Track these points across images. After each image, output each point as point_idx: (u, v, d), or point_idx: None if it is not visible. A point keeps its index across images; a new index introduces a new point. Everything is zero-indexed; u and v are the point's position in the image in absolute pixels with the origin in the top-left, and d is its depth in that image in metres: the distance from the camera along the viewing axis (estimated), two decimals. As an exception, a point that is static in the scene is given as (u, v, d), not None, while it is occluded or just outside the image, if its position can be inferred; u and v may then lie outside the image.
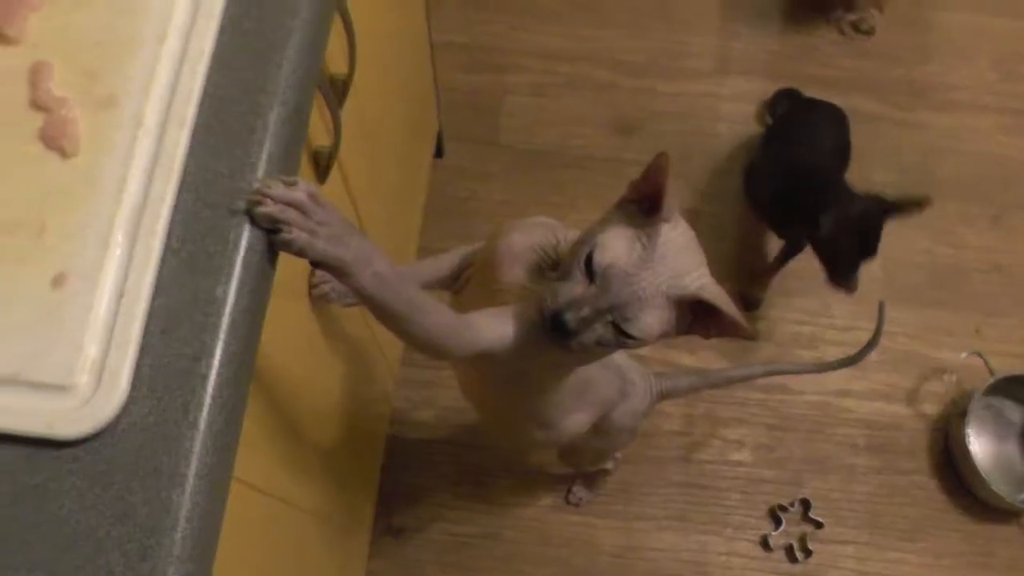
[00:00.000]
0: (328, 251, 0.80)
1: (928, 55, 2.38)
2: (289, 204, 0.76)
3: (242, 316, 0.72)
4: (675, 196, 0.99)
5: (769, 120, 2.20)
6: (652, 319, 0.98)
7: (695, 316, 1.01)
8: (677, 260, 0.99)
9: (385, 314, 0.92)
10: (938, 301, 2.13)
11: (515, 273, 1.10)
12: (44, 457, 0.69)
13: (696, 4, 2.39)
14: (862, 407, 2.05)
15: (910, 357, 2.07)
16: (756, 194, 2.04)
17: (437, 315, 0.97)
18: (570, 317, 0.97)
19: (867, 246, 1.72)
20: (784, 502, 1.96)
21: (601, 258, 0.97)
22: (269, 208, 0.74)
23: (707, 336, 1.03)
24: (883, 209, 1.70)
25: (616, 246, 0.98)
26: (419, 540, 1.93)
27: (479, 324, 1.02)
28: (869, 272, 2.08)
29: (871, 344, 1.64)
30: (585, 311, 0.97)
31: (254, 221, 0.74)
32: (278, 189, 0.75)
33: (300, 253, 0.78)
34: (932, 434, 2.03)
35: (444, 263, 1.28)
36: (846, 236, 1.71)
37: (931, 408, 2.05)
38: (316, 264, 0.82)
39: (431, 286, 1.28)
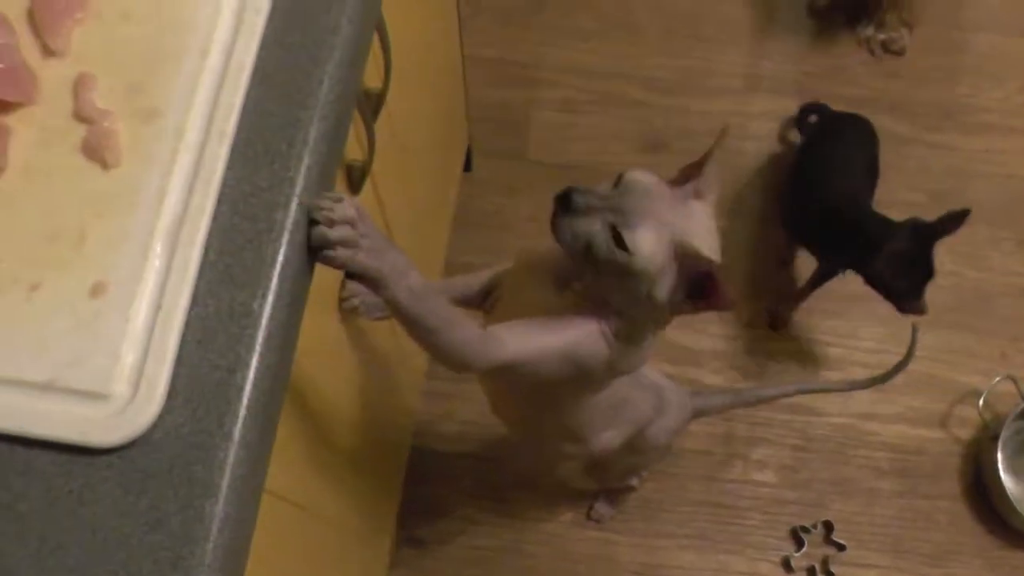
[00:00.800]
0: (368, 264, 0.81)
1: (958, 76, 2.37)
2: (345, 222, 0.77)
3: (278, 329, 0.72)
4: (716, 179, 1.02)
5: (798, 136, 2.19)
6: (650, 238, 0.96)
7: (690, 289, 1.00)
8: (698, 224, 1.00)
9: (415, 326, 0.93)
10: (963, 324, 2.12)
11: (542, 289, 1.11)
12: (79, 464, 0.69)
13: (727, 23, 2.39)
14: (886, 430, 2.04)
15: (935, 381, 2.06)
16: (795, 225, 2.03)
17: (464, 329, 0.97)
18: (578, 196, 0.98)
19: (924, 272, 1.73)
20: (807, 524, 1.95)
21: (630, 174, 0.99)
22: (334, 233, 0.76)
23: (694, 310, 1.01)
24: (929, 235, 1.70)
25: (649, 178, 0.99)
26: (439, 552, 1.93)
27: (502, 336, 1.02)
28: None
29: (902, 364, 1.64)
30: (594, 199, 0.98)
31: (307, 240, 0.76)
32: (340, 210, 0.76)
33: (342, 267, 0.80)
34: (958, 458, 2.02)
35: (474, 281, 1.28)
36: (900, 271, 1.72)
37: (958, 432, 2.04)
38: (353, 276, 0.83)
39: (460, 304, 1.28)
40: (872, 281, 1.79)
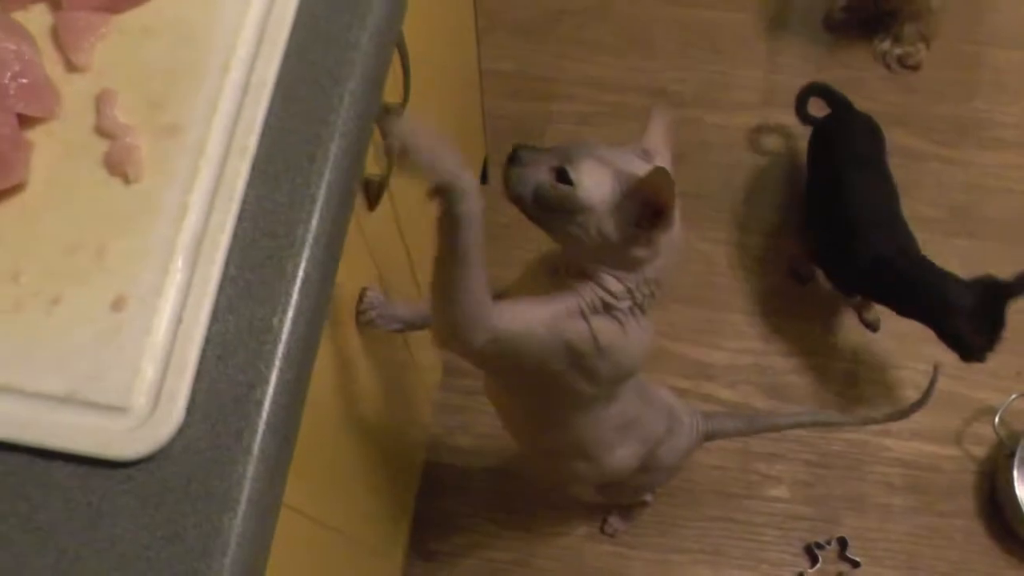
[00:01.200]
0: (451, 168, 0.88)
1: (974, 92, 2.36)
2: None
3: (297, 345, 0.73)
4: (664, 140, 1.12)
5: (801, 120, 2.14)
6: (591, 170, 1.01)
7: (638, 220, 1.02)
8: (640, 168, 1.04)
9: (452, 257, 0.95)
10: (979, 341, 2.11)
11: (537, 283, 1.13)
12: (98, 476, 0.70)
13: (742, 37, 2.39)
14: (901, 446, 2.03)
15: (950, 398, 2.05)
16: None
17: (480, 281, 0.98)
18: (523, 151, 1.04)
19: (998, 327, 1.74)
20: (821, 540, 1.94)
21: (572, 141, 1.06)
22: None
23: (644, 232, 1.03)
24: (1003, 294, 1.71)
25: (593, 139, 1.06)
26: (452, 565, 1.93)
27: (496, 307, 1.04)
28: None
29: (920, 403, 1.63)
30: (539, 153, 1.04)
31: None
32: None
33: (429, 168, 0.88)
34: (973, 476, 2.01)
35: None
36: (977, 328, 1.73)
37: (973, 449, 2.03)
38: (434, 186, 0.90)
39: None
40: (945, 336, 1.78)
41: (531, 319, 1.05)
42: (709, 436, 1.54)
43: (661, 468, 1.47)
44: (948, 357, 1.90)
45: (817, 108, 2.10)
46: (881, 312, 2.04)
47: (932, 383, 1.61)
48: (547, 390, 1.16)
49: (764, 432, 1.81)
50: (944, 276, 1.78)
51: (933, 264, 1.81)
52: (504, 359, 1.08)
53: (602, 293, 1.06)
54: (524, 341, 1.05)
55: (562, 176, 1.01)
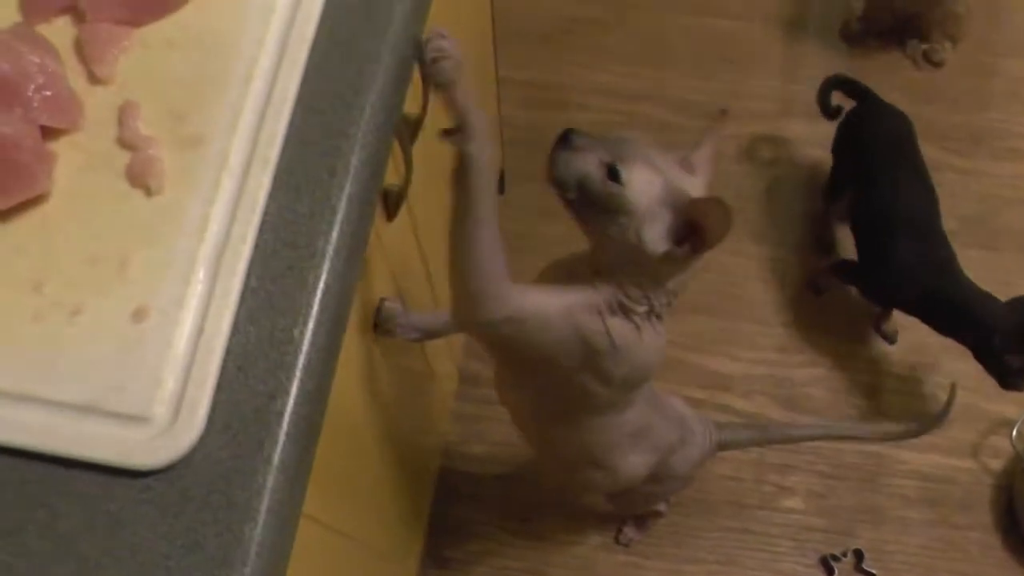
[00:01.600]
0: (468, 103, 0.90)
1: (990, 102, 2.36)
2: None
3: (318, 356, 0.73)
4: (711, 160, 1.08)
5: (824, 113, 2.10)
6: (642, 174, 1.00)
7: (678, 237, 1.02)
8: (687, 182, 1.03)
9: (461, 208, 0.96)
10: (996, 353, 2.10)
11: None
12: (119, 485, 0.70)
13: (758, 47, 2.39)
14: (916, 458, 2.02)
15: (967, 410, 2.04)
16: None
17: (494, 242, 0.99)
18: (576, 136, 1.03)
19: None
20: (836, 552, 1.93)
21: (627, 133, 1.05)
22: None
23: (682, 255, 1.02)
24: None
25: (646, 138, 1.05)
26: (466, 572, 1.93)
27: (518, 286, 1.04)
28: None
29: (936, 420, 1.62)
30: (592, 140, 1.03)
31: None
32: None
33: (449, 87, 0.89)
34: (989, 488, 2.00)
35: None
36: (1010, 351, 1.72)
37: (990, 462, 2.02)
38: (459, 114, 0.91)
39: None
40: (985, 360, 1.78)
41: (548, 304, 1.05)
42: (722, 446, 1.54)
43: (673, 477, 1.46)
44: (965, 369, 1.90)
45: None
46: (900, 323, 2.03)
47: (949, 401, 1.61)
48: (559, 390, 1.16)
49: (777, 443, 1.80)
50: (985, 298, 1.77)
51: (971, 283, 1.80)
52: (519, 346, 1.08)
53: (621, 295, 1.06)
54: (539, 327, 1.05)
55: (612, 173, 1.00)
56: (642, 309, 1.07)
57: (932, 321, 1.85)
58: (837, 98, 2.08)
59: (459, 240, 0.98)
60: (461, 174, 0.94)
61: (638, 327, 1.08)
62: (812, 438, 1.77)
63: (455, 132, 0.91)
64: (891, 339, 2.08)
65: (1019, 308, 1.73)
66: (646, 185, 1.00)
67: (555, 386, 1.15)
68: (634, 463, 1.33)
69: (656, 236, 1.01)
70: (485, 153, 0.92)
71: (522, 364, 1.16)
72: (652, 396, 1.30)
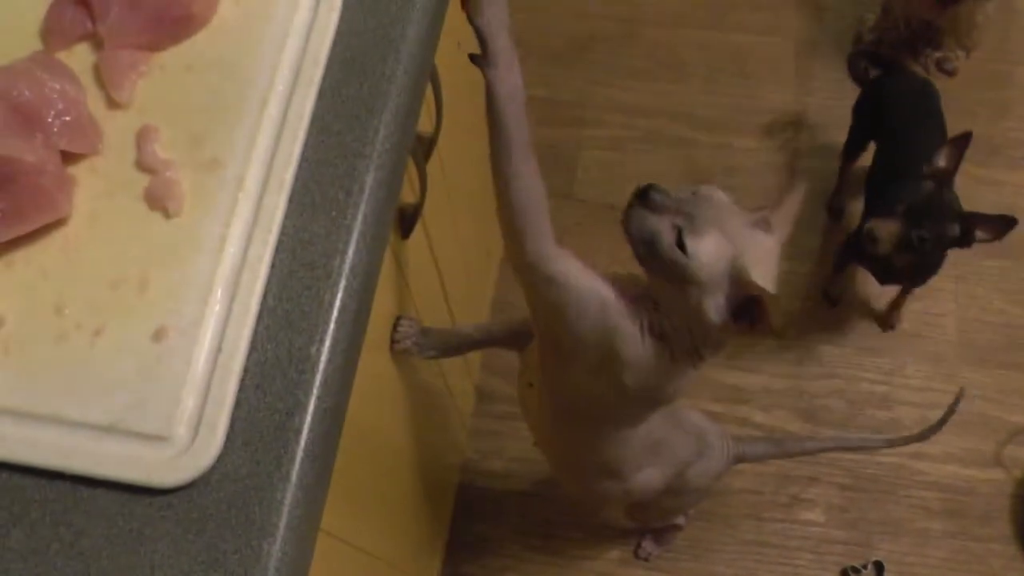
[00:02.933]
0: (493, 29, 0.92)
1: (1006, 111, 2.35)
2: None
3: (335, 373, 0.74)
4: (791, 217, 1.07)
5: (855, 80, 2.15)
6: (711, 247, 0.99)
7: (737, 312, 1.01)
8: (761, 250, 1.02)
9: (494, 137, 0.98)
10: (1013, 363, 2.09)
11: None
12: (140, 503, 0.71)
13: (772, 61, 2.40)
14: (936, 470, 2.01)
15: (985, 420, 2.03)
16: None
17: (533, 180, 1.00)
18: (655, 194, 1.02)
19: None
20: (857, 564, 1.93)
21: (708, 188, 1.03)
22: None
23: (737, 331, 1.02)
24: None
25: (724, 196, 1.03)
26: (485, 589, 1.94)
27: (564, 251, 1.05)
28: (943, 332, 2.05)
29: (940, 423, 1.62)
30: (669, 200, 1.01)
31: None
32: None
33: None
34: (1009, 499, 1.99)
35: (521, 321, 1.29)
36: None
37: (1010, 472, 2.01)
38: (479, 36, 0.92)
39: (509, 339, 1.30)
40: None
41: (588, 284, 1.05)
42: (739, 459, 1.54)
43: (691, 491, 1.46)
44: (982, 380, 1.90)
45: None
46: (908, 330, 2.03)
47: (954, 406, 1.60)
48: (577, 391, 1.15)
49: (795, 456, 1.80)
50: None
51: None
52: (550, 315, 1.08)
53: (667, 326, 1.06)
54: (573, 300, 1.05)
55: (680, 241, 0.99)
56: (684, 346, 1.07)
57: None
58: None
59: (497, 176, 1.00)
60: (488, 103, 0.95)
61: (673, 356, 1.08)
62: (827, 450, 1.77)
63: (479, 57, 0.93)
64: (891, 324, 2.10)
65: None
66: (713, 258, 0.99)
67: (573, 386, 1.15)
68: (649, 475, 1.33)
69: (715, 308, 1.01)
70: (507, 82, 0.94)
71: (554, 347, 1.16)
72: (670, 409, 1.30)
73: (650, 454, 1.30)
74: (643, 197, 1.02)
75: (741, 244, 1.00)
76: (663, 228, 1.00)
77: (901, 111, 1.95)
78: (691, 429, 1.40)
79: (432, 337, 1.22)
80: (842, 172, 2.18)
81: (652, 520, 1.78)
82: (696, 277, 0.99)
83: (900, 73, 2.05)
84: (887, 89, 2.01)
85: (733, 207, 1.03)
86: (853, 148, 2.10)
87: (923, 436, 1.62)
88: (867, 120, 2.03)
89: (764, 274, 1.00)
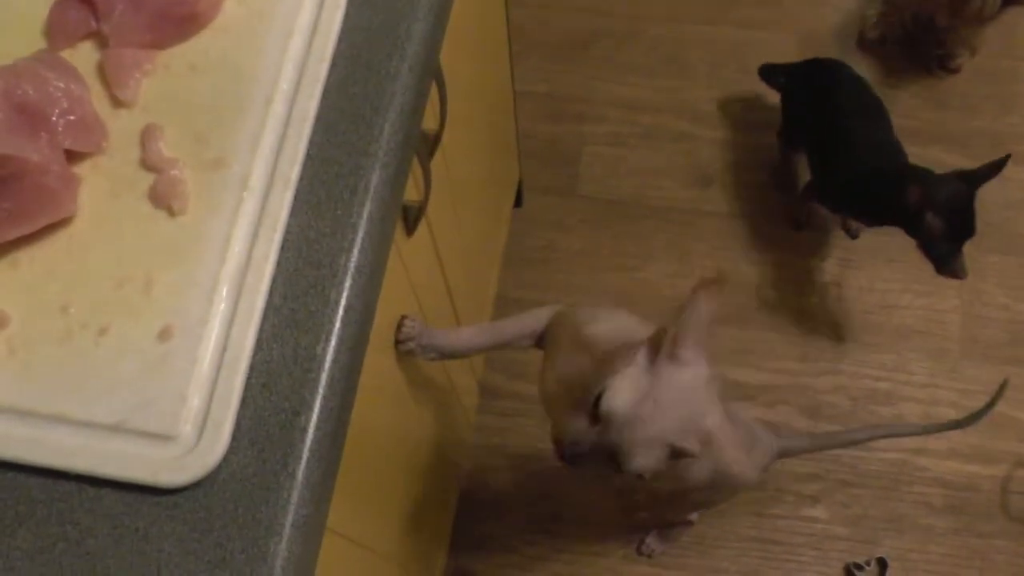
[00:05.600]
0: None
1: (1010, 107, 2.35)
2: None
3: (341, 372, 0.74)
4: (693, 329, 1.02)
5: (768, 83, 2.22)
6: (647, 461, 1.01)
7: None
8: (681, 406, 1.01)
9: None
10: (1016, 359, 2.09)
11: (571, 364, 1.13)
12: (146, 503, 0.71)
13: (775, 57, 2.39)
14: (939, 466, 2.01)
15: (988, 416, 2.03)
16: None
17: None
18: (568, 452, 1.03)
19: (965, 227, 1.74)
20: (860, 560, 1.93)
21: (606, 403, 1.00)
22: None
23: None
24: (971, 183, 1.73)
25: (624, 389, 1.00)
26: (489, 586, 1.94)
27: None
28: (946, 327, 2.05)
29: (982, 411, 1.62)
30: (584, 448, 1.02)
31: None
32: None
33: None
34: (1013, 496, 1.99)
35: (527, 323, 1.29)
36: (939, 220, 1.72)
37: (1013, 469, 2.01)
38: None
39: (514, 341, 1.30)
40: (913, 231, 1.79)
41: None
42: (782, 453, 1.54)
43: (736, 485, 1.46)
44: (987, 376, 1.90)
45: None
46: (912, 326, 2.03)
47: (999, 392, 1.61)
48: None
49: (833, 448, 1.82)
50: (923, 171, 1.82)
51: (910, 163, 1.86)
52: None
53: None
54: None
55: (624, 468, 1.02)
56: None
57: (877, 212, 1.89)
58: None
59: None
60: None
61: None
62: (865, 440, 1.78)
63: None
64: (853, 233, 2.15)
65: (947, 177, 1.76)
66: (653, 463, 1.02)
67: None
68: (701, 467, 1.32)
69: (657, 468, 1.03)
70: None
71: None
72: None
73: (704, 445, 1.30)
74: (571, 462, 1.04)
75: (665, 424, 1.00)
76: (599, 466, 1.03)
77: (820, 94, 2.04)
78: (740, 422, 1.40)
79: (436, 338, 1.22)
80: (783, 160, 2.26)
81: (677, 514, 1.77)
82: (646, 476, 1.02)
83: (801, 65, 2.14)
84: (800, 81, 2.13)
85: (638, 393, 1.00)
86: (791, 137, 2.18)
87: (963, 424, 1.63)
88: (794, 109, 2.13)
89: (690, 435, 1.02)
